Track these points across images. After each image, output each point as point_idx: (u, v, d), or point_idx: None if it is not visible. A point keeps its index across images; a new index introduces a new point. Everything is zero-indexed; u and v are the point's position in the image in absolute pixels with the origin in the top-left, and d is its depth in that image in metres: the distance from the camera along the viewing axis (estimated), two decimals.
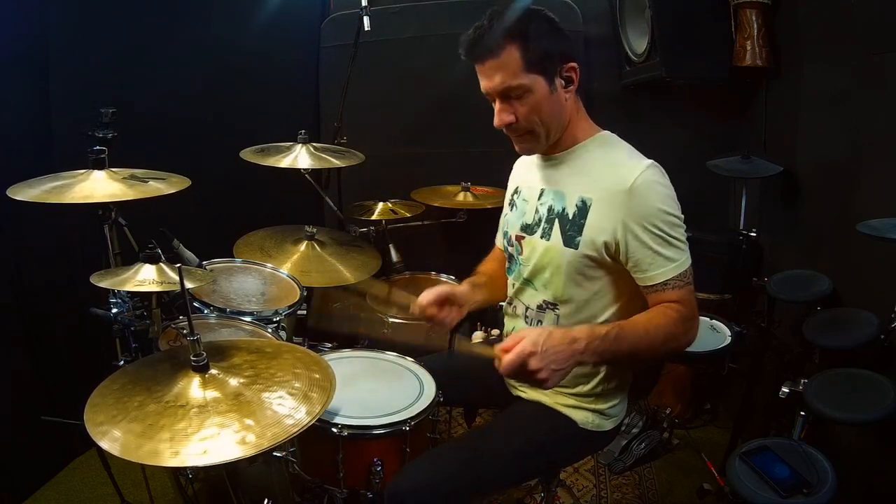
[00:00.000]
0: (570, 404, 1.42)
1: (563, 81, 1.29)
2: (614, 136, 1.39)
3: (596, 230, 1.28)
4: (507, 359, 1.13)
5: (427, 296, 1.44)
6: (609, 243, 1.27)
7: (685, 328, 1.25)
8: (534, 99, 1.26)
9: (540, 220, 1.40)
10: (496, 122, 1.31)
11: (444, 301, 1.45)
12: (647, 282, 1.26)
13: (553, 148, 1.39)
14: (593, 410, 1.42)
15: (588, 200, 1.30)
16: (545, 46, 1.25)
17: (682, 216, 1.27)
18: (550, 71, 1.26)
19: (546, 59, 1.25)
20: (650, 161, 1.28)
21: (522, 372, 1.13)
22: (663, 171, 1.28)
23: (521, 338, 1.15)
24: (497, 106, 1.30)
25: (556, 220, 1.35)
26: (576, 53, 1.30)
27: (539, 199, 1.42)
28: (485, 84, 1.29)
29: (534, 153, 1.42)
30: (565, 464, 1.90)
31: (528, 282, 1.44)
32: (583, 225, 1.30)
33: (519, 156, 1.58)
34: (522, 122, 1.29)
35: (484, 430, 1.49)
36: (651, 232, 1.23)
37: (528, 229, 1.43)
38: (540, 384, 1.15)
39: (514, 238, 1.48)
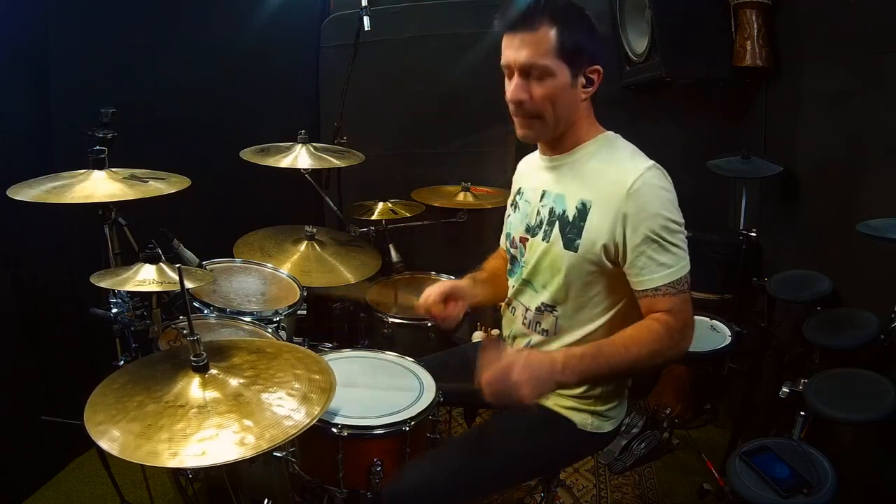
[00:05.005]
0: (569, 406, 1.42)
1: (584, 80, 1.29)
2: (617, 137, 1.37)
3: (595, 233, 1.27)
4: (491, 372, 1.15)
5: (431, 294, 1.48)
6: (608, 246, 1.26)
7: (673, 341, 1.22)
8: (553, 85, 1.25)
9: (541, 222, 1.40)
10: (509, 95, 1.28)
11: (448, 297, 1.49)
12: (638, 286, 1.25)
13: (556, 149, 1.39)
14: (592, 412, 1.41)
15: (588, 203, 1.29)
16: (580, 40, 1.25)
17: (683, 221, 1.24)
18: (577, 65, 1.26)
19: (576, 53, 1.25)
20: (651, 163, 1.26)
21: (505, 386, 1.14)
22: (665, 173, 1.26)
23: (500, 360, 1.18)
24: (514, 81, 1.28)
25: (557, 223, 1.34)
26: (603, 60, 1.30)
27: (541, 200, 1.42)
28: (509, 55, 1.26)
29: (532, 142, 1.39)
30: (564, 465, 1.90)
31: (527, 282, 1.44)
32: (582, 227, 1.29)
33: (521, 156, 1.58)
34: (534, 104, 1.27)
35: (482, 431, 1.48)
36: (647, 236, 1.21)
37: (530, 231, 1.43)
38: (521, 398, 1.14)
39: (517, 240, 1.47)
